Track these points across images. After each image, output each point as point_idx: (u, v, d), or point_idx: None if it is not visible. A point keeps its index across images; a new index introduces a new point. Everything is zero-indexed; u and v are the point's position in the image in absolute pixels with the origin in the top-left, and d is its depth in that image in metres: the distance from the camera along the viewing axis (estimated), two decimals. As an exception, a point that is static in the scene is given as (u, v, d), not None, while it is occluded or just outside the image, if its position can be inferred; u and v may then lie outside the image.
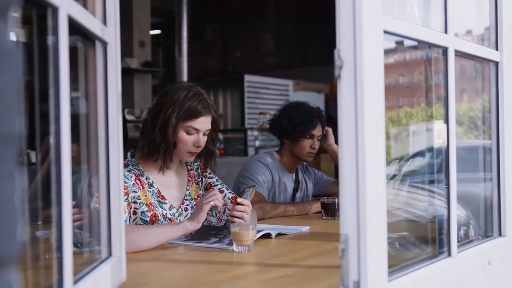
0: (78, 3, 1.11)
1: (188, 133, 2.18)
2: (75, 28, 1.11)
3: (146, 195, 2.18)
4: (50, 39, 1.01)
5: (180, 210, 2.28)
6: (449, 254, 1.51)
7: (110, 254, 1.37)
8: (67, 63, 1.02)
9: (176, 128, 2.16)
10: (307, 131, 2.97)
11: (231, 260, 1.78)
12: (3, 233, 0.57)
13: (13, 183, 0.59)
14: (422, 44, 1.59)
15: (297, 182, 3.13)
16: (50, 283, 1.05)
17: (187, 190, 2.34)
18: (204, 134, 2.22)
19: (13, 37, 0.60)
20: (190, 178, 2.37)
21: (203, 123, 2.20)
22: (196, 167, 2.42)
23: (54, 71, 1.00)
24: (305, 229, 2.33)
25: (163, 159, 2.21)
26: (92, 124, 1.35)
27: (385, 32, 1.24)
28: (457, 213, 1.56)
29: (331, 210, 2.63)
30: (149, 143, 2.19)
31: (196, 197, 2.36)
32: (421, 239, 1.71)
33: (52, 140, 1.02)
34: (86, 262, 1.32)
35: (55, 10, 0.99)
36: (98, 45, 1.33)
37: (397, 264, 1.33)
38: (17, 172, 0.60)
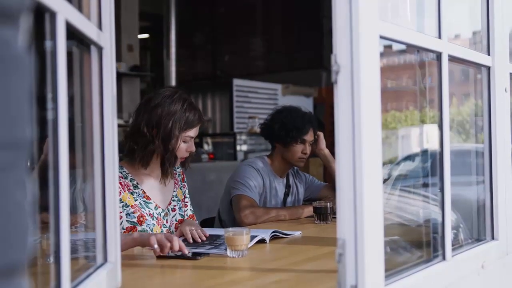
0: (75, 8, 1.11)
1: (185, 141, 2.27)
2: (71, 32, 1.10)
3: (129, 197, 2.22)
4: (47, 44, 1.00)
5: (166, 210, 2.34)
6: (444, 258, 1.51)
7: (105, 260, 1.36)
8: (65, 68, 1.02)
9: (178, 140, 2.24)
10: (299, 136, 2.96)
11: (225, 265, 1.77)
12: (15, 240, 0.57)
13: (24, 189, 0.58)
14: (410, 48, 1.60)
15: (288, 186, 3.13)
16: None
17: (174, 191, 2.41)
18: (194, 140, 2.32)
19: (23, 44, 0.60)
20: (176, 181, 2.45)
21: (197, 130, 2.31)
22: (178, 173, 2.49)
23: (52, 75, 1.00)
24: (298, 233, 2.33)
25: (167, 170, 2.28)
26: (87, 129, 1.35)
27: (381, 37, 1.24)
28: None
29: (323, 215, 2.63)
30: (149, 154, 2.24)
31: (181, 200, 2.43)
32: (414, 243, 1.72)
33: (46, 145, 1.02)
34: (81, 268, 1.31)
35: (53, 15, 0.98)
36: (93, 49, 1.33)
37: (393, 268, 1.34)
38: (28, 179, 0.60)
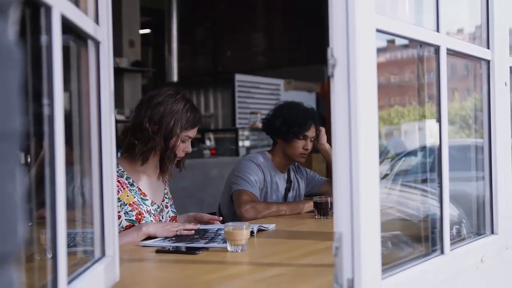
0: (71, 2, 1.10)
1: (183, 141, 2.31)
2: (67, 27, 1.10)
3: (128, 195, 2.25)
4: (43, 38, 1.00)
5: (161, 206, 2.38)
6: (442, 252, 1.51)
7: (103, 254, 1.36)
8: (61, 62, 1.02)
9: (179, 138, 2.27)
10: (301, 132, 2.96)
11: (224, 260, 1.77)
12: (5, 231, 0.57)
13: (14, 181, 0.59)
14: (413, 43, 1.59)
15: (289, 181, 3.13)
16: (44, 283, 1.05)
17: (165, 189, 2.46)
18: (191, 140, 2.37)
19: (12, 36, 0.60)
20: (166, 180, 2.48)
21: (195, 131, 2.36)
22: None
23: (47, 70, 1.00)
24: (272, 226, 2.35)
25: (167, 167, 2.31)
26: (85, 124, 1.35)
27: (378, 30, 1.24)
28: (450, 212, 1.56)
29: (323, 209, 2.63)
30: (149, 150, 2.27)
31: (170, 197, 2.49)
32: (414, 238, 1.72)
33: (45, 141, 1.02)
34: (79, 262, 1.31)
35: (48, 9, 0.98)
36: (90, 44, 1.32)
37: (391, 262, 1.34)
38: (18, 170, 0.60)
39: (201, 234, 2.14)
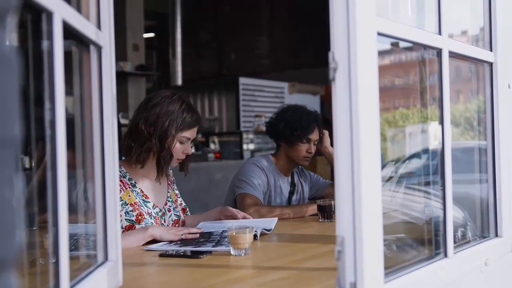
0: (72, 8, 1.11)
1: (181, 142, 2.31)
2: (69, 32, 1.11)
3: (129, 195, 2.26)
4: (44, 44, 1.01)
5: (163, 210, 2.38)
6: (446, 255, 1.51)
7: (106, 258, 1.36)
8: (62, 68, 1.02)
9: (174, 139, 2.27)
10: (304, 135, 2.96)
11: (228, 264, 1.77)
12: (3, 237, 0.57)
13: (12, 187, 0.59)
14: (417, 46, 1.59)
15: (293, 185, 3.13)
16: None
17: (168, 192, 2.45)
18: (191, 142, 2.36)
19: (11, 42, 0.60)
20: (169, 182, 2.49)
21: (194, 132, 2.35)
22: (170, 173, 2.54)
23: (49, 75, 1.00)
24: (274, 221, 2.39)
25: (163, 167, 2.31)
26: (87, 129, 1.35)
27: (379, 34, 1.24)
28: (454, 214, 1.56)
29: (327, 213, 2.62)
30: (146, 151, 2.27)
31: (174, 200, 2.47)
32: (417, 241, 1.71)
33: (47, 145, 1.02)
34: (82, 266, 1.31)
35: (49, 14, 0.99)
36: (92, 49, 1.33)
37: (393, 265, 1.33)
38: (16, 176, 0.60)
39: (206, 237, 2.14)
